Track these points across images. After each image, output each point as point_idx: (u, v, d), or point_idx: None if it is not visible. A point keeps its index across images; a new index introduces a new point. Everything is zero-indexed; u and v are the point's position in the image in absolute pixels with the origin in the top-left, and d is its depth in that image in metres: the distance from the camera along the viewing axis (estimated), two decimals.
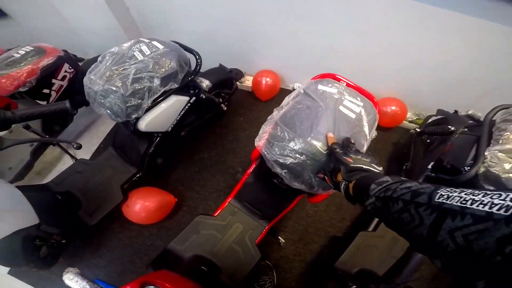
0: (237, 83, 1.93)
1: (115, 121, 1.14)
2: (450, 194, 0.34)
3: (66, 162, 1.81)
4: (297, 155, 0.82)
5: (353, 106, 0.90)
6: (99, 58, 1.14)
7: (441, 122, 1.37)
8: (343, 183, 0.64)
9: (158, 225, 1.55)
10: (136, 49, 1.12)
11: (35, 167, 1.61)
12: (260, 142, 0.91)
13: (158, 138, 1.38)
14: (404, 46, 1.47)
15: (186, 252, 1.15)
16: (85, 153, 1.88)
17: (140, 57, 1.10)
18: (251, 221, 1.27)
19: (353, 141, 0.77)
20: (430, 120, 1.45)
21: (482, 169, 0.88)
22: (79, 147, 1.03)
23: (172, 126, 1.37)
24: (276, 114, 0.96)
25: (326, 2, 1.41)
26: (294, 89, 1.09)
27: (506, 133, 0.87)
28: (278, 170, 0.87)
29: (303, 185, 0.87)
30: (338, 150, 0.73)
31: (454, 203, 0.32)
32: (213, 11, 1.68)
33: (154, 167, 1.58)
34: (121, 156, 1.55)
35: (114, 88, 1.04)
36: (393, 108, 1.76)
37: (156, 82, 1.07)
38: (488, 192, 0.30)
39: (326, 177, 0.77)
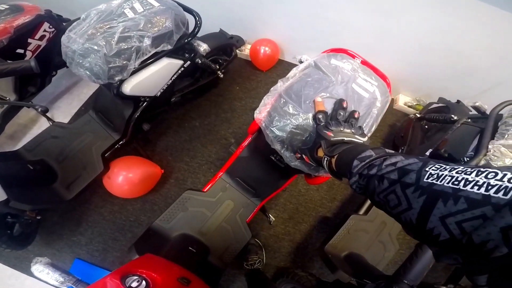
0: (237, 51, 1.78)
1: (96, 83, 1.00)
2: (440, 173, 0.30)
3: (43, 125, 1.66)
4: (299, 131, 0.75)
5: (367, 85, 0.83)
6: (82, 16, 0.99)
7: (442, 110, 1.36)
8: (325, 158, 0.59)
9: (143, 199, 1.47)
10: (127, 6, 0.98)
11: (7, 130, 1.47)
12: (260, 114, 0.83)
13: (145, 103, 1.26)
14: (420, 29, 1.38)
15: (172, 231, 1.09)
16: (63, 116, 1.73)
17: (131, 14, 0.96)
18: (242, 199, 1.23)
19: (345, 105, 0.71)
20: (431, 107, 1.43)
21: (482, 162, 0.87)
22: (45, 110, 0.94)
23: (161, 91, 1.24)
24: (281, 85, 0.87)
25: None
26: (301, 61, 0.99)
27: None
28: (277, 147, 0.80)
29: (304, 165, 0.82)
30: (320, 121, 0.68)
31: (446, 184, 0.28)
32: None
33: (140, 133, 1.47)
34: (102, 121, 1.42)
35: (95, 47, 0.90)
36: None
37: (147, 42, 0.95)
38: (482, 170, 0.27)
39: (304, 156, 0.72)
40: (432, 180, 0.30)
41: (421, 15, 1.32)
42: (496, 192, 0.24)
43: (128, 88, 1.08)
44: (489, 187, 0.25)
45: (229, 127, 1.70)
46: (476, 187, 0.26)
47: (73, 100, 1.78)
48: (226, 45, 1.55)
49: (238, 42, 1.65)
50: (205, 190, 1.21)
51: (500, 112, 0.97)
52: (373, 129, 0.83)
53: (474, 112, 1.15)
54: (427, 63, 1.55)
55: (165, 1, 1.04)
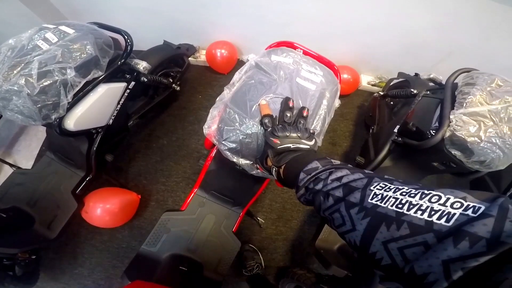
0: (191, 58, 1.72)
1: (33, 125, 0.93)
2: (385, 194, 0.30)
3: (8, 173, 1.56)
4: (250, 140, 0.71)
5: (312, 76, 0.78)
6: None
7: (403, 85, 1.35)
8: (274, 168, 0.57)
9: (129, 225, 1.44)
10: (39, 38, 0.89)
11: None
12: (210, 129, 0.78)
13: (99, 134, 1.19)
14: (364, 8, 1.37)
15: (160, 254, 1.07)
16: (26, 160, 1.65)
17: (45, 46, 0.87)
18: (223, 210, 1.20)
19: (291, 104, 0.67)
20: (392, 83, 1.41)
21: (448, 133, 0.86)
22: None
23: (113, 118, 1.18)
24: (227, 93, 0.81)
25: None
26: (248, 61, 0.94)
27: (469, 97, 0.84)
28: (234, 159, 0.76)
29: (266, 172, 0.78)
30: (267, 126, 0.64)
31: (389, 207, 0.28)
32: None
33: (107, 164, 1.40)
34: (62, 160, 1.35)
35: (16, 88, 0.83)
36: (345, 76, 1.74)
37: (71, 73, 0.87)
38: (426, 192, 0.26)
39: (258, 166, 0.68)
40: (376, 201, 0.30)
41: None
42: (439, 218, 0.24)
43: (72, 124, 1.00)
44: (432, 212, 0.24)
45: (199, 139, 1.65)
46: (419, 212, 0.25)
47: (31, 141, 1.70)
48: (174, 57, 1.47)
49: (189, 50, 1.59)
50: (183, 209, 1.18)
51: (456, 81, 0.97)
52: (327, 120, 0.79)
53: (433, 84, 1.14)
54: (379, 42, 1.56)
55: (80, 26, 0.96)
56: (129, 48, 1.05)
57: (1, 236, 1.09)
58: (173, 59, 1.49)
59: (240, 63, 1.88)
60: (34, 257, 1.17)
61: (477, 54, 1.46)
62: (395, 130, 1.06)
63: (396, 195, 0.28)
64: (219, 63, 1.75)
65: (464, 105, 0.84)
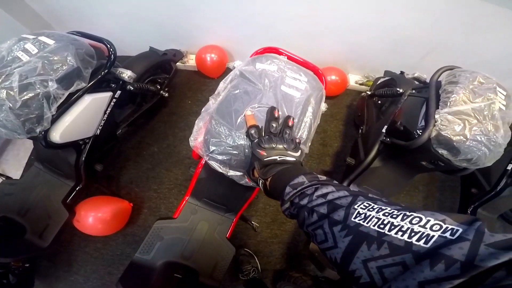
0: (179, 63, 1.71)
1: (18, 138, 0.91)
2: (368, 214, 0.31)
3: None
4: (237, 152, 0.70)
5: (296, 83, 0.78)
6: None
7: (389, 83, 1.36)
8: (260, 180, 0.58)
9: (123, 233, 1.43)
10: (19, 49, 0.87)
11: None
12: (196, 141, 0.77)
13: (86, 145, 1.18)
14: (346, 8, 1.38)
15: (155, 262, 1.06)
16: (15, 169, 1.62)
17: (25, 58, 0.85)
18: (216, 217, 1.20)
19: (277, 114, 0.68)
20: (379, 82, 1.42)
21: (434, 133, 0.86)
22: None
23: (100, 128, 1.16)
24: (212, 103, 0.81)
25: None
26: (235, 68, 0.93)
27: (453, 96, 0.85)
28: (223, 171, 0.76)
29: (254, 183, 0.78)
30: (254, 137, 0.64)
31: (372, 227, 0.29)
32: None
33: (96, 174, 1.39)
34: (51, 170, 1.32)
35: None
36: (333, 77, 1.73)
37: (53, 85, 0.85)
38: (408, 214, 0.27)
39: (246, 177, 0.69)
40: (359, 220, 0.31)
41: None
42: (418, 239, 0.24)
43: (57, 136, 0.98)
44: (412, 233, 0.25)
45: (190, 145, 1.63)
46: (400, 233, 0.26)
47: (19, 151, 1.67)
48: (161, 63, 1.46)
49: (176, 56, 1.57)
50: (175, 217, 1.17)
51: (439, 79, 0.98)
52: (313, 127, 0.79)
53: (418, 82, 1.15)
54: (364, 40, 1.56)
55: (62, 37, 0.94)
56: (112, 57, 1.04)
57: None
58: (160, 66, 1.48)
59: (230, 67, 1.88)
60: (27, 265, 1.17)
61: (459, 49, 1.48)
62: (383, 130, 1.07)
63: (379, 215, 0.29)
64: (209, 67, 1.74)
65: (448, 104, 0.85)
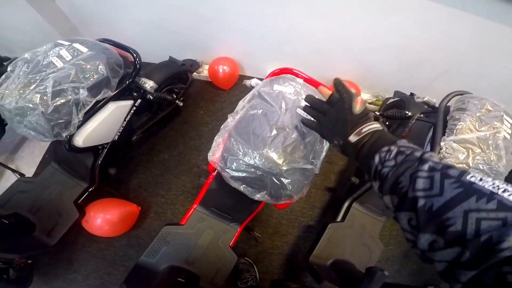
0: (195, 73, 1.75)
1: (45, 141, 0.96)
2: (483, 178, 0.31)
3: (9, 178, 1.60)
4: (253, 170, 0.75)
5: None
6: (9, 68, 0.95)
7: (398, 104, 1.38)
8: (369, 125, 0.50)
9: (127, 235, 1.46)
10: (54, 54, 0.93)
11: None
12: (214, 156, 0.82)
13: (104, 150, 1.23)
14: (361, 28, 1.41)
15: (159, 265, 1.09)
16: (28, 167, 1.66)
17: (59, 64, 0.91)
18: (221, 226, 1.23)
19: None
20: (388, 102, 1.45)
21: None
22: None
23: (118, 134, 1.21)
24: (231, 120, 0.86)
25: None
26: (251, 86, 0.99)
27: (460, 123, 0.87)
28: (236, 185, 0.80)
29: (266, 197, 0.82)
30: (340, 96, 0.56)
31: (486, 186, 0.29)
32: None
33: (108, 178, 1.43)
34: (67, 171, 1.37)
35: (31, 105, 0.86)
36: None
37: (83, 93, 0.91)
38: None
39: (335, 141, 0.56)
40: (474, 180, 0.31)
41: (355, 15, 1.34)
42: None
43: (80, 141, 1.04)
44: None
45: (199, 154, 1.68)
46: None
47: (35, 148, 1.71)
48: (179, 73, 1.51)
49: (193, 66, 1.63)
50: (183, 223, 1.20)
51: (448, 104, 1.00)
52: (326, 146, 0.83)
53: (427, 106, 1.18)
54: (376, 60, 1.59)
55: (94, 45, 1.00)
56: (138, 66, 1.09)
57: (1, 241, 1.11)
58: (178, 76, 1.53)
59: (241, 79, 1.91)
60: (30, 261, 1.19)
61: (471, 71, 1.48)
62: None
63: (495, 181, 0.30)
64: (221, 79, 1.78)
65: (455, 131, 0.87)
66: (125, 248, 1.45)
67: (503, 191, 0.28)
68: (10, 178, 1.57)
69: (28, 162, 1.68)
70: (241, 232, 1.25)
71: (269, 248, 1.49)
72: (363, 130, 0.49)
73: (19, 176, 1.44)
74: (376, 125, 0.50)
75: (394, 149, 0.42)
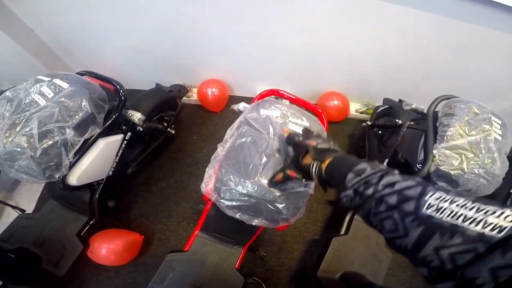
0: (185, 97, 1.76)
1: (38, 183, 0.96)
2: (440, 205, 0.31)
3: (11, 214, 1.59)
4: (247, 198, 0.75)
5: (298, 128, 0.83)
6: None
7: (388, 112, 1.38)
8: (315, 164, 0.58)
9: (134, 262, 1.45)
10: (35, 92, 0.91)
11: None
12: (207, 187, 0.82)
13: (100, 185, 1.22)
14: (342, 38, 1.44)
15: None
16: (28, 203, 1.66)
17: (42, 101, 0.90)
18: (225, 249, 1.22)
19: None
20: (378, 111, 1.45)
21: (433, 167, 0.89)
22: None
23: (112, 169, 1.21)
24: (221, 150, 0.86)
25: (260, 2, 1.30)
26: (240, 110, 1.00)
27: (449, 129, 0.88)
28: (232, 214, 0.80)
29: (264, 221, 0.81)
30: (299, 137, 0.69)
31: (444, 219, 0.30)
32: (140, 24, 1.46)
33: (108, 209, 1.43)
34: (65, 206, 1.37)
35: (19, 149, 0.85)
36: (335, 102, 1.76)
37: (70, 133, 0.89)
38: (483, 207, 0.28)
39: (289, 171, 0.68)
40: (431, 212, 0.31)
41: (334, 27, 1.37)
42: (492, 230, 0.25)
43: (74, 180, 1.04)
44: (486, 224, 0.26)
45: (197, 180, 1.67)
46: (473, 224, 0.27)
47: (32, 186, 1.71)
48: (167, 100, 1.50)
49: (181, 91, 1.62)
50: (186, 250, 1.21)
51: (436, 109, 1.01)
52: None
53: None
54: (360, 68, 1.61)
55: (75, 80, 0.98)
56: (123, 99, 1.07)
57: (11, 273, 1.12)
58: (166, 103, 1.52)
59: (232, 100, 1.93)
60: None
61: (451, 73, 1.52)
62: (385, 164, 1.10)
63: (452, 206, 0.30)
64: (211, 102, 1.77)
65: (445, 138, 0.88)
66: (133, 275, 1.45)
67: (463, 220, 0.28)
68: (12, 214, 1.56)
69: (28, 198, 1.69)
70: (246, 253, 1.25)
71: (276, 266, 1.48)
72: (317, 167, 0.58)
73: (20, 212, 1.43)
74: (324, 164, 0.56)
75: (350, 192, 0.45)
